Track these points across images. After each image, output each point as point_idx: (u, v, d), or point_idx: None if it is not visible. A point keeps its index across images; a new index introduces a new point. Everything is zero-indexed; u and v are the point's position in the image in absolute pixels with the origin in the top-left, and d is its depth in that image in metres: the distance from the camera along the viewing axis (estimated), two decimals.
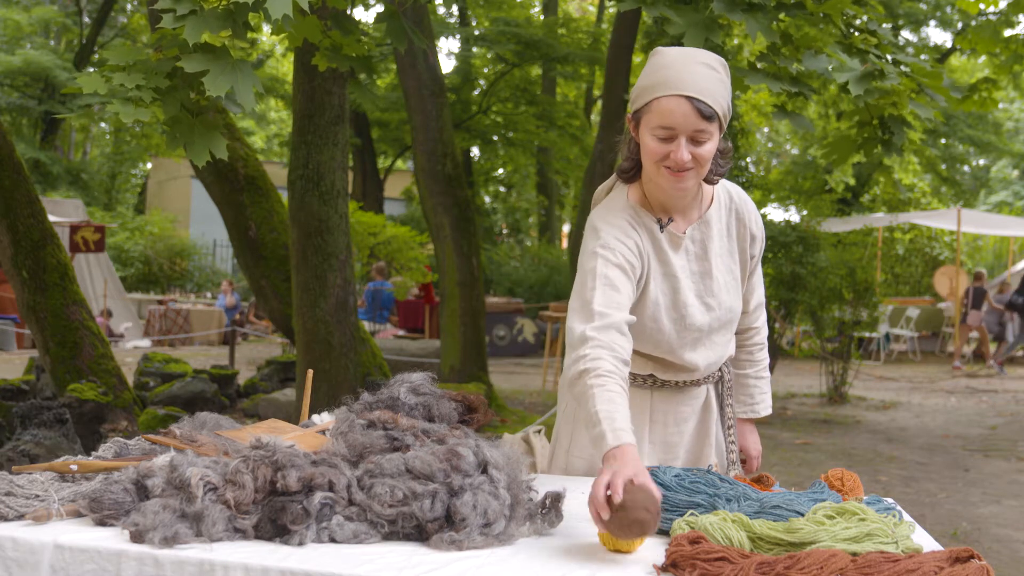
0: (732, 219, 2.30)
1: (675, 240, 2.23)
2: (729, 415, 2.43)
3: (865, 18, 4.25)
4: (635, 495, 1.59)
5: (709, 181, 2.26)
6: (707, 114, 2.04)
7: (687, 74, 2.06)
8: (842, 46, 4.10)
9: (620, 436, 1.79)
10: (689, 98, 2.03)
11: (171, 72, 3.18)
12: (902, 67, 4.05)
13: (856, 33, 4.21)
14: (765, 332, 2.52)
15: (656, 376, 2.32)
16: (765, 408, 2.52)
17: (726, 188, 2.33)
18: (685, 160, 2.06)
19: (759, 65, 4.05)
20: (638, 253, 2.17)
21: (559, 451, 2.42)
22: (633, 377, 2.28)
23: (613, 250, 2.12)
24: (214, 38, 3.22)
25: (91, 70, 3.06)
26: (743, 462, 2.52)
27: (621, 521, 1.59)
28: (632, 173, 2.25)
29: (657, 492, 1.65)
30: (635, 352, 2.25)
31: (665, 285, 2.22)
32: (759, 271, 2.48)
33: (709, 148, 2.08)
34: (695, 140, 2.06)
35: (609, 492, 1.62)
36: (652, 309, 2.21)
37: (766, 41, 3.86)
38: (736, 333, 2.49)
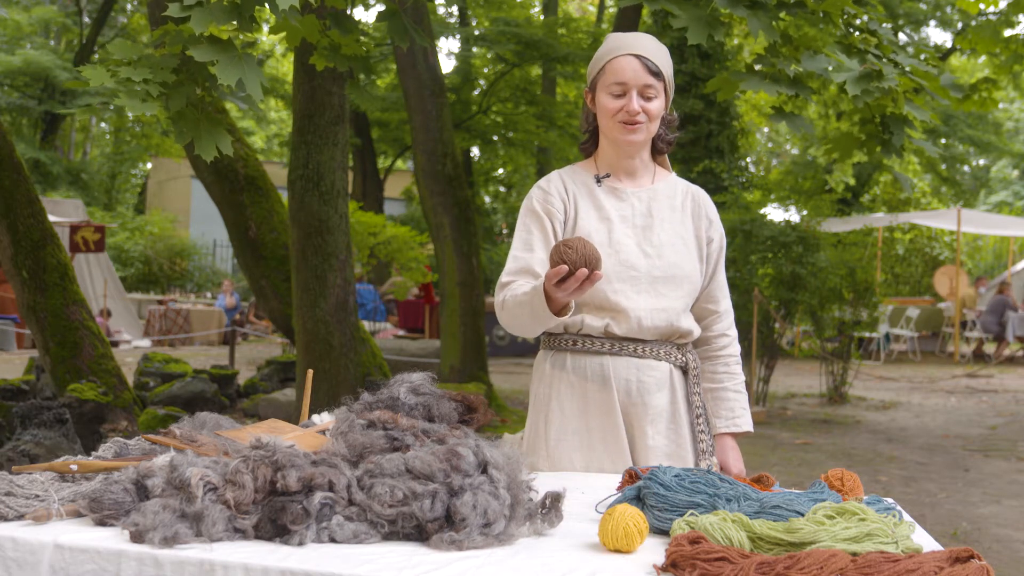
0: (688, 200, 2.47)
1: (615, 193, 2.41)
2: (697, 403, 2.42)
3: (865, 18, 4.24)
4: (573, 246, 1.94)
5: (658, 150, 2.46)
6: (654, 70, 2.33)
7: (634, 39, 2.37)
8: (841, 46, 4.10)
9: (542, 279, 2.09)
10: (638, 56, 2.33)
11: (177, 67, 3.19)
12: (904, 68, 4.04)
13: (856, 33, 4.21)
14: (738, 348, 2.54)
15: (612, 332, 2.34)
16: (746, 423, 2.48)
17: (684, 181, 2.52)
18: (636, 110, 2.31)
19: (757, 67, 4.05)
20: (557, 196, 2.40)
21: (537, 441, 2.42)
22: (591, 340, 2.37)
23: (531, 199, 2.42)
24: (220, 31, 3.23)
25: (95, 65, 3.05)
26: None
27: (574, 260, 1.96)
28: (589, 144, 2.49)
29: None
30: (585, 305, 2.36)
31: (600, 226, 2.38)
32: (724, 274, 2.52)
33: (657, 105, 2.35)
34: (644, 95, 2.33)
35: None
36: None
37: (766, 41, 3.85)
38: (707, 339, 2.50)
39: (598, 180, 2.42)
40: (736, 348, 2.53)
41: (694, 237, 2.43)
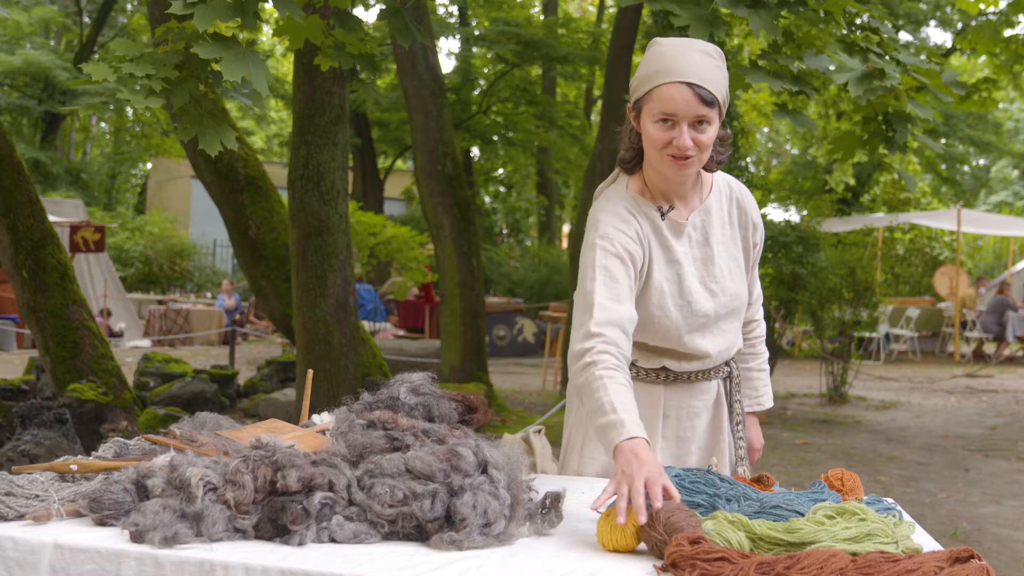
0: (733, 207, 2.34)
1: (677, 227, 2.25)
2: (738, 411, 2.44)
3: (866, 16, 4.24)
4: (676, 515, 1.60)
5: (708, 168, 2.29)
6: (707, 100, 2.08)
7: (686, 61, 2.09)
8: (843, 44, 4.09)
9: (636, 428, 1.83)
10: (690, 84, 2.07)
11: (179, 64, 3.19)
12: (906, 66, 4.04)
13: (858, 31, 4.21)
14: (764, 327, 2.57)
15: (668, 368, 2.31)
16: (768, 400, 2.55)
17: (725, 178, 2.37)
18: (688, 146, 2.09)
19: (760, 63, 4.04)
20: (638, 240, 2.19)
21: (572, 454, 2.40)
22: (646, 372, 2.31)
23: (611, 240, 2.15)
24: (223, 28, 3.23)
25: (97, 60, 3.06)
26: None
27: (650, 534, 1.60)
28: (633, 164, 2.27)
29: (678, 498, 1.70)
30: (644, 345, 2.27)
31: (669, 272, 2.23)
32: (757, 265, 2.50)
33: (710, 134, 2.12)
34: (696, 126, 2.10)
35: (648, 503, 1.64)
36: (658, 297, 2.22)
37: (768, 39, 3.85)
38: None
39: (662, 215, 2.24)
40: (762, 328, 2.55)
41: (742, 251, 2.36)
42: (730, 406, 2.43)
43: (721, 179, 2.36)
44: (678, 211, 2.26)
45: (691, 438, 2.38)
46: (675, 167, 2.13)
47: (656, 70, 2.11)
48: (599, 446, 2.30)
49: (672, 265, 2.23)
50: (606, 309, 2.06)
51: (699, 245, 2.27)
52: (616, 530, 1.63)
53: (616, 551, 1.62)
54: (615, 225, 2.18)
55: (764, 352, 2.55)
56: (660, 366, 2.31)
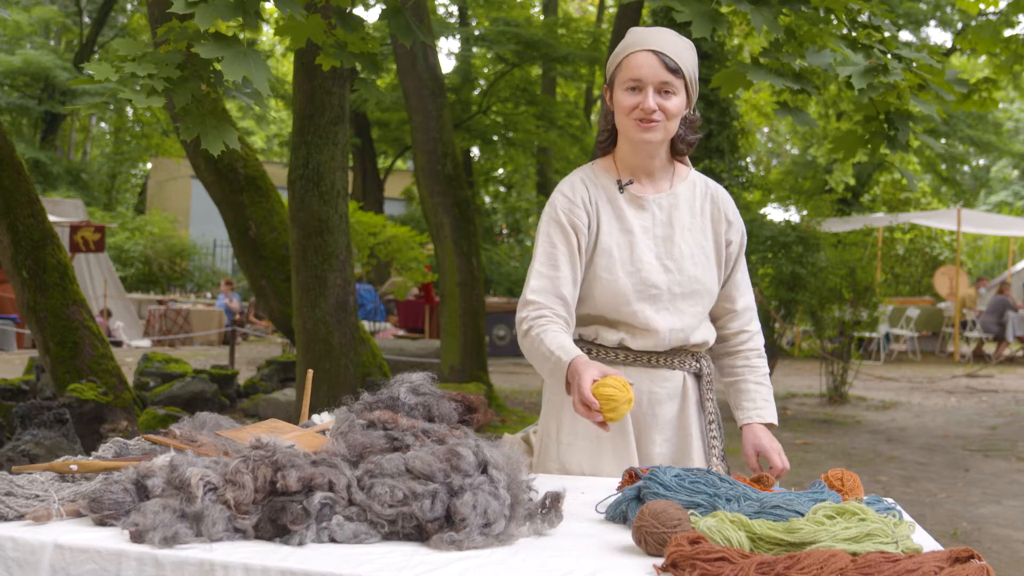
0: (706, 202, 2.40)
1: (637, 201, 2.34)
2: (711, 409, 2.42)
3: (866, 15, 4.23)
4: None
5: (678, 151, 2.38)
6: (672, 67, 2.23)
7: (655, 35, 2.28)
8: (846, 41, 4.09)
9: (572, 353, 2.11)
10: (656, 52, 2.23)
11: (181, 63, 3.19)
12: (909, 62, 4.03)
13: (860, 29, 4.20)
14: (761, 340, 2.49)
15: (626, 346, 2.33)
16: (769, 415, 2.42)
17: (703, 177, 2.45)
18: (652, 108, 2.22)
19: (762, 61, 4.04)
20: (582, 205, 2.32)
21: (549, 444, 2.41)
22: (606, 351, 2.34)
23: (555, 206, 2.33)
24: (224, 27, 3.23)
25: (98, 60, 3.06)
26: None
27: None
28: (607, 143, 2.40)
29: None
30: (602, 318, 2.34)
31: (622, 239, 2.32)
32: (743, 272, 2.47)
33: (676, 103, 2.25)
34: (663, 93, 2.24)
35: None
36: (606, 261, 2.30)
37: (769, 37, 3.85)
38: (725, 337, 2.48)
39: (620, 187, 2.35)
40: (757, 342, 2.48)
41: (713, 244, 2.38)
42: (701, 404, 2.41)
43: (698, 176, 2.44)
44: (642, 187, 2.35)
45: (652, 425, 2.37)
46: (640, 129, 2.25)
47: (627, 44, 2.29)
48: (576, 431, 2.35)
49: (625, 234, 2.32)
50: (541, 276, 2.27)
51: (662, 224, 2.34)
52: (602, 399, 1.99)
53: (610, 420, 2.01)
54: (563, 192, 2.34)
55: (760, 366, 2.47)
56: (618, 341, 2.32)
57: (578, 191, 2.33)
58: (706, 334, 2.41)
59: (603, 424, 2.02)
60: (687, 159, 2.46)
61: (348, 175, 6.74)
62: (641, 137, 2.26)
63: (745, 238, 2.48)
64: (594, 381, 2.01)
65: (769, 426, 2.41)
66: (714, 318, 2.47)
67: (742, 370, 2.46)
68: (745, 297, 2.47)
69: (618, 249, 2.30)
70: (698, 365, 2.41)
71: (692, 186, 2.40)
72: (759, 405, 2.42)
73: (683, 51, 2.26)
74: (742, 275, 2.47)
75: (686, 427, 2.39)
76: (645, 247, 2.31)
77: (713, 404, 2.43)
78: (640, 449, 2.37)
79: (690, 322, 2.35)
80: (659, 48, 2.23)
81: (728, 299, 2.46)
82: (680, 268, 2.32)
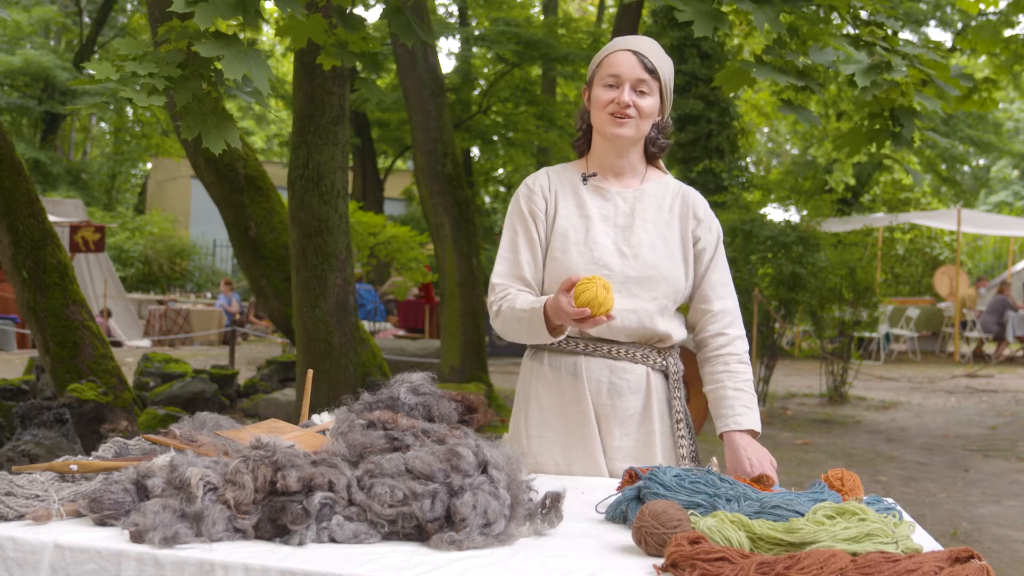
0: (676, 201, 2.45)
1: (600, 192, 2.44)
2: (678, 408, 2.41)
3: (865, 13, 4.23)
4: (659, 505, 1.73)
5: (650, 155, 2.45)
6: (649, 68, 2.34)
7: (636, 39, 2.40)
8: (849, 39, 4.08)
9: (543, 300, 2.24)
10: (634, 52, 2.35)
11: (182, 62, 3.19)
12: (913, 58, 4.02)
13: (862, 27, 4.19)
14: (744, 346, 2.41)
15: (586, 332, 2.35)
16: (748, 421, 2.30)
17: (679, 183, 2.51)
18: (627, 102, 2.32)
19: (765, 58, 4.03)
20: (540, 193, 2.44)
21: (520, 439, 2.43)
22: (568, 340, 2.38)
23: (518, 196, 2.45)
24: (224, 26, 3.23)
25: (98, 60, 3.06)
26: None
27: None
28: (582, 142, 2.48)
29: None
30: None
31: (579, 223, 2.39)
32: (721, 274, 2.43)
33: (650, 103, 2.35)
34: (638, 92, 2.34)
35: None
36: (561, 242, 2.37)
37: (771, 35, 3.84)
38: (704, 341, 2.42)
39: (584, 178, 2.44)
40: (739, 347, 2.39)
41: (679, 239, 2.40)
42: (668, 402, 2.40)
43: (674, 180, 2.51)
44: (607, 181, 2.44)
45: (612, 417, 2.36)
46: (614, 123, 2.34)
47: (609, 46, 2.42)
48: (544, 424, 2.40)
49: (583, 219, 2.39)
50: (504, 261, 2.41)
51: (624, 215, 2.40)
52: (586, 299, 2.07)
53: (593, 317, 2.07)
54: (526, 183, 2.47)
55: (741, 371, 2.37)
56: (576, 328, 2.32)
57: (539, 180, 2.45)
58: (670, 328, 2.37)
59: (610, 315, 2.11)
60: (661, 164, 2.51)
61: (348, 175, 6.75)
62: (614, 131, 2.35)
63: (721, 239, 2.47)
64: (569, 296, 2.13)
65: (752, 433, 2.31)
66: (692, 323, 2.46)
67: (721, 376, 2.36)
68: (724, 300, 2.42)
69: (574, 231, 2.38)
70: (664, 363, 2.40)
71: (664, 186, 2.46)
72: (737, 412, 2.31)
73: (661, 58, 2.38)
74: (718, 276, 2.42)
75: (650, 424, 2.38)
76: (602, 231, 2.38)
77: (681, 403, 2.42)
78: (603, 442, 2.37)
79: (645, 306, 2.33)
80: (638, 49, 2.35)
81: (703, 300, 2.42)
82: (636, 255, 2.35)
